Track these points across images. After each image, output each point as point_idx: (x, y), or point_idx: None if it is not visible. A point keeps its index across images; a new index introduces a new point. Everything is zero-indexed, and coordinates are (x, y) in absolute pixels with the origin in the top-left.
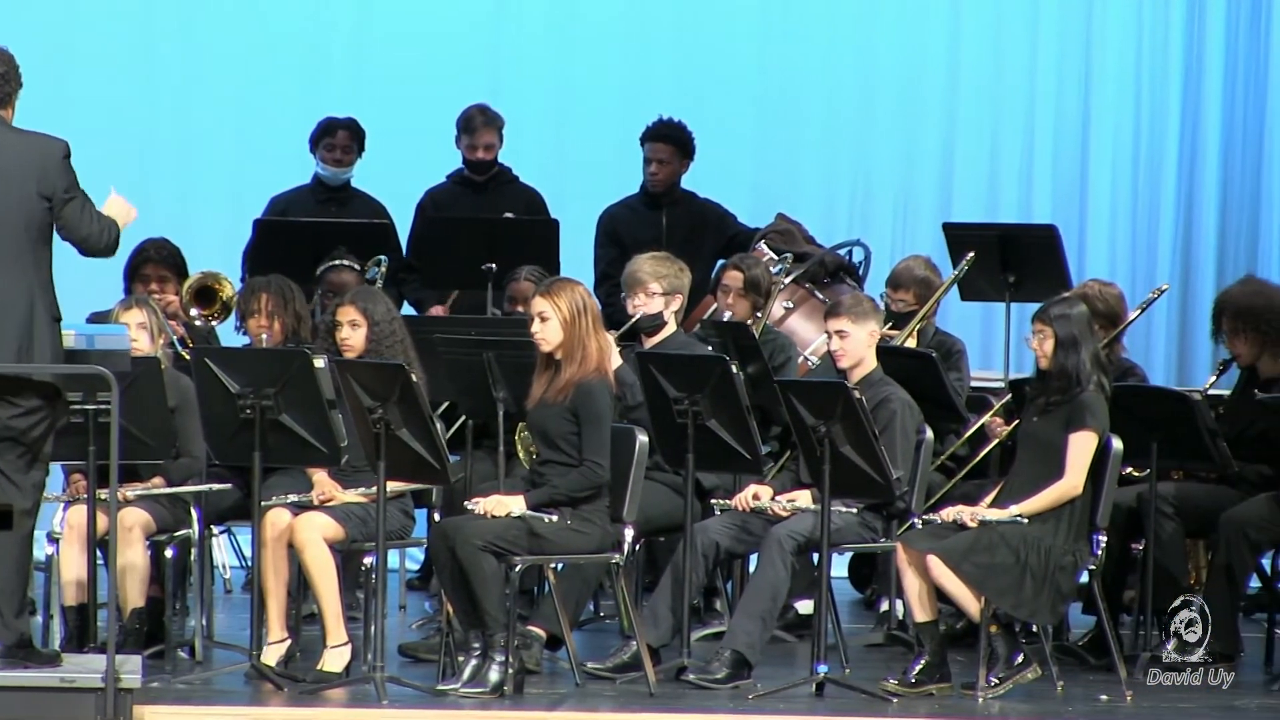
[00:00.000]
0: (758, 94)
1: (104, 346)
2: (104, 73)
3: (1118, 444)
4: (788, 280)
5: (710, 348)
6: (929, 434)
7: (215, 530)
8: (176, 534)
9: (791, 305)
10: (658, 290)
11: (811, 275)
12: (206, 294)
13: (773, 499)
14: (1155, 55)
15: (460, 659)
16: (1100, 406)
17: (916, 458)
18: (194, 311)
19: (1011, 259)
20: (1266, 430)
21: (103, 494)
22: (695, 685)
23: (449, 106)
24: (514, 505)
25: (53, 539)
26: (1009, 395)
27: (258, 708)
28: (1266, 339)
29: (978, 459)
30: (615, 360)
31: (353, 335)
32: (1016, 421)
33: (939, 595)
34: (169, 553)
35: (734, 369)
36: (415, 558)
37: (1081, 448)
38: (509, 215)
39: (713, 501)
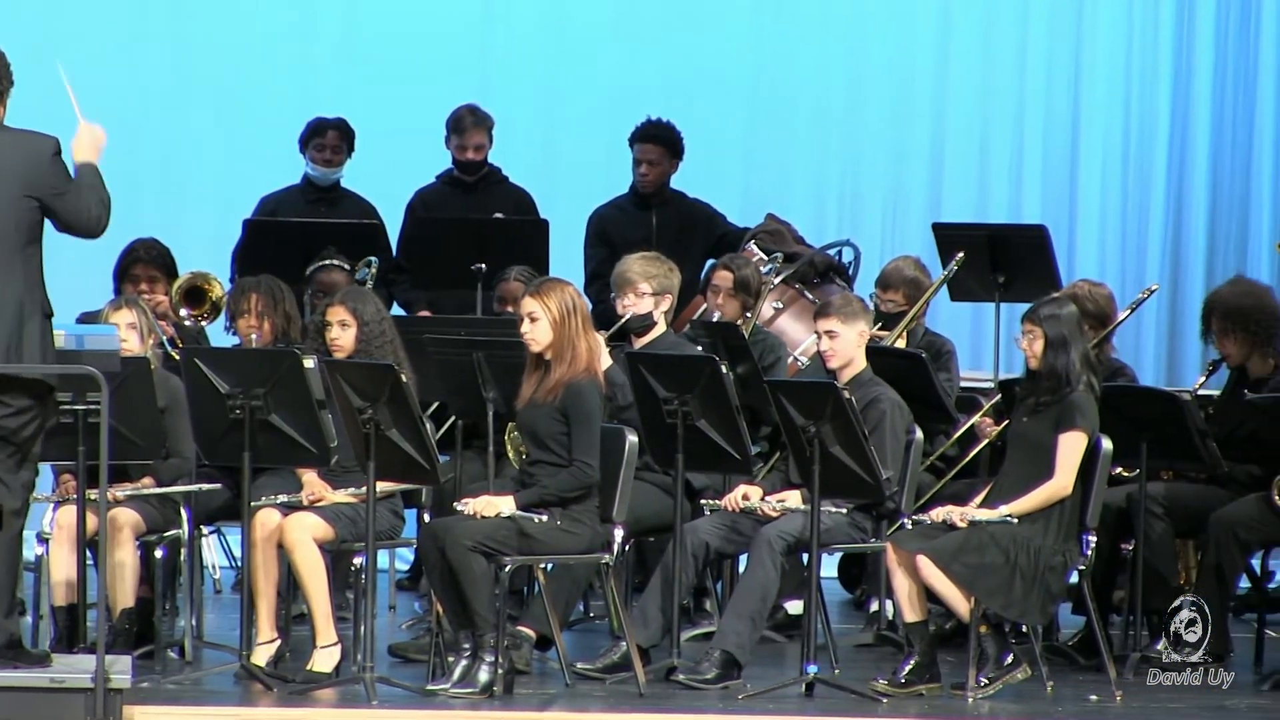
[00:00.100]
0: (747, 94)
1: (94, 347)
2: (93, 73)
3: (1107, 444)
4: (777, 280)
5: (700, 348)
6: (918, 434)
7: (205, 530)
8: (166, 534)
9: (781, 305)
10: (647, 290)
11: (801, 275)
12: (196, 294)
13: (762, 499)
14: (1145, 56)
15: (450, 659)
16: (1090, 407)
17: (906, 458)
18: (184, 312)
19: (1001, 259)
20: (1256, 430)
21: (92, 494)
22: (685, 685)
23: (438, 107)
24: (504, 505)
25: (42, 539)
26: (999, 395)
27: (247, 708)
28: (1256, 339)
29: (967, 459)
30: (605, 360)
31: (342, 335)
32: (1006, 422)
33: (929, 595)
34: (159, 553)
35: (724, 369)
36: (405, 558)
37: (1071, 448)
38: (499, 216)
39: (702, 502)
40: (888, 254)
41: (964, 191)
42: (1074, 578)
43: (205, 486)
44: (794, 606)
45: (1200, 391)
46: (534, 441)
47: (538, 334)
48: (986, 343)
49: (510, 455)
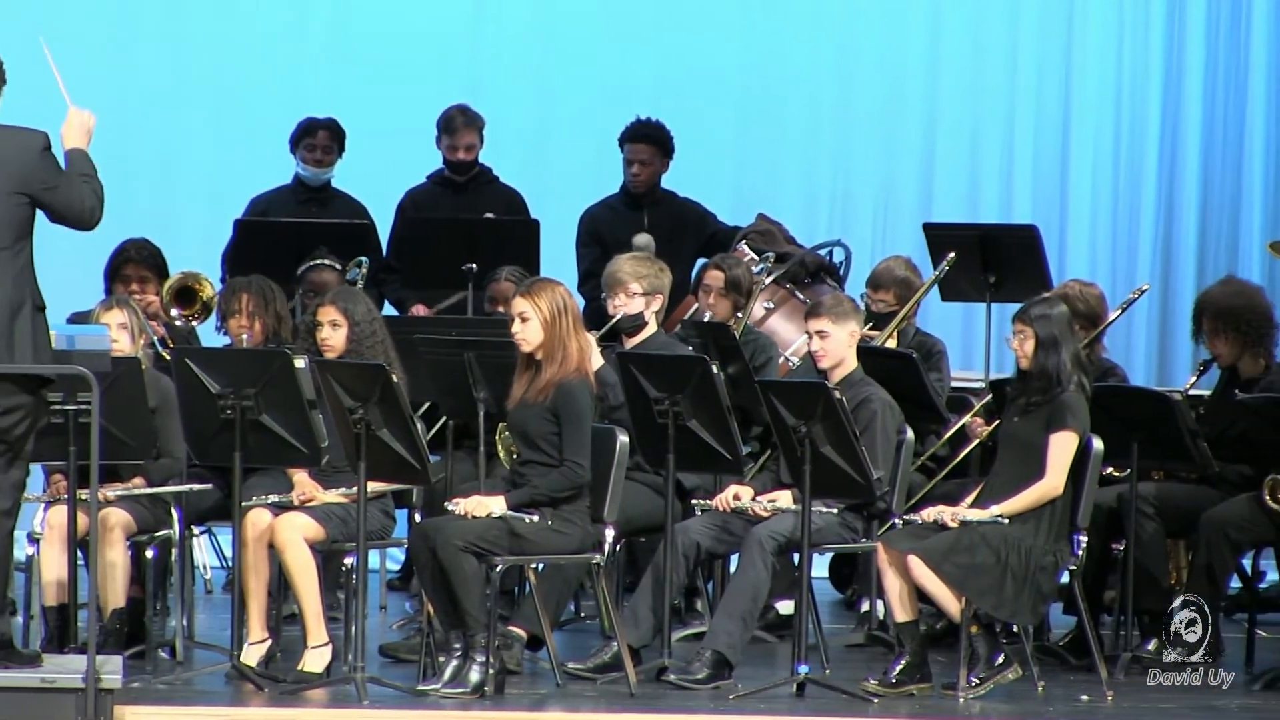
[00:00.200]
0: (738, 94)
1: (84, 347)
2: (84, 72)
3: (1098, 444)
4: (768, 280)
5: (691, 348)
6: (909, 434)
7: (196, 530)
8: (157, 534)
9: (772, 305)
10: (638, 290)
11: (792, 275)
12: (187, 294)
13: (753, 499)
14: (1136, 55)
15: (441, 659)
16: (1081, 407)
17: (897, 458)
18: (174, 312)
19: (992, 259)
20: (1247, 430)
21: (83, 494)
22: (676, 685)
23: (429, 107)
24: (494, 505)
25: (33, 539)
26: (989, 395)
27: (238, 708)
28: (1247, 339)
29: (958, 459)
30: (596, 360)
31: (333, 335)
32: (997, 422)
33: (920, 595)
34: (150, 553)
35: (715, 369)
36: (396, 558)
37: (1062, 448)
38: (489, 216)
39: (693, 502)
40: (879, 254)
41: (955, 191)
42: (1065, 578)
43: (196, 487)
44: (785, 607)
45: (1191, 391)
46: (525, 441)
47: (528, 334)
48: (977, 343)
49: (501, 455)
